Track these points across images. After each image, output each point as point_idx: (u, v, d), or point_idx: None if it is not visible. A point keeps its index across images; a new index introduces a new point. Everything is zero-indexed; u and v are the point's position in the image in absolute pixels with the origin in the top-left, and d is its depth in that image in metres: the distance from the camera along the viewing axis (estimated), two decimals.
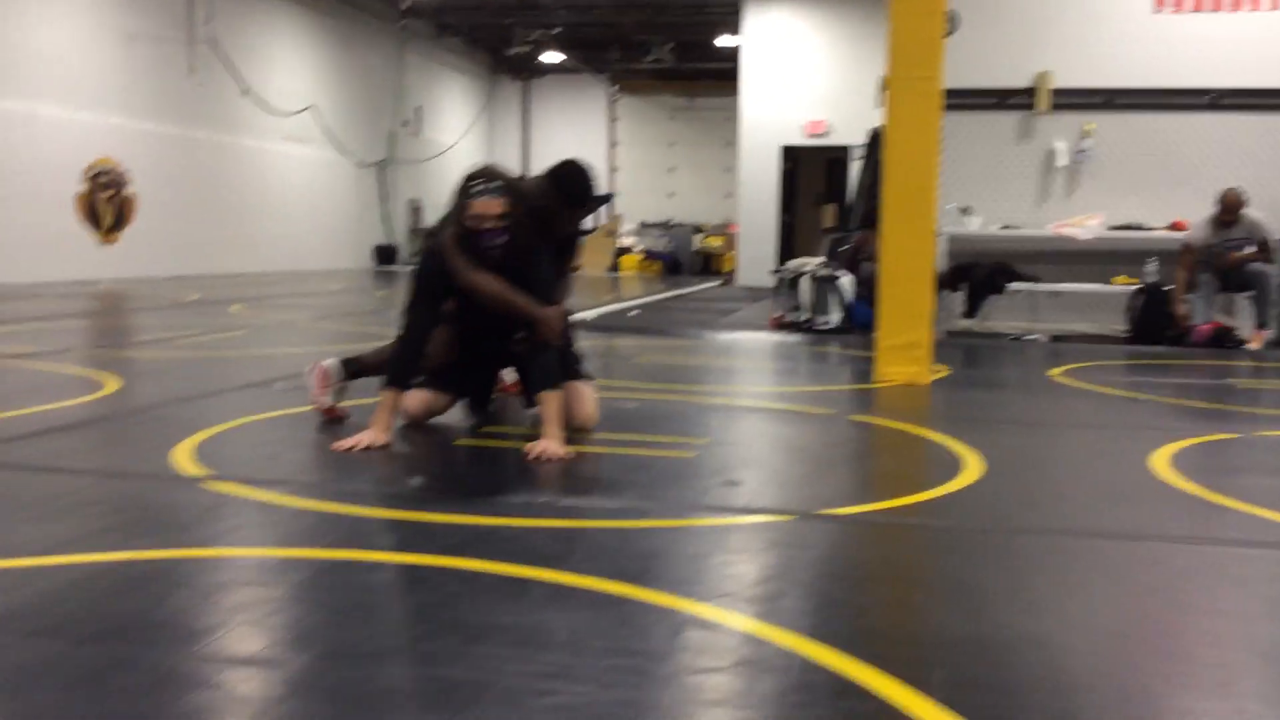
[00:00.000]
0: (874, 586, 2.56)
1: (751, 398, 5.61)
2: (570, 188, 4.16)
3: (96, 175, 14.99)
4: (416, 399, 4.29)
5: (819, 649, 2.08)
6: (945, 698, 1.87)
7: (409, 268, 22.00)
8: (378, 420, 3.91)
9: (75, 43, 14.53)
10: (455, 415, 4.55)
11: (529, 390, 4.35)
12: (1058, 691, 1.92)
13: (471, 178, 3.94)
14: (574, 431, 4.14)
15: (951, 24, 10.62)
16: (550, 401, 3.91)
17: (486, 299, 4.01)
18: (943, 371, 6.65)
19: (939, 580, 2.59)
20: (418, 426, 4.30)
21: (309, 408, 4.45)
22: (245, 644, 2.06)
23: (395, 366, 4.03)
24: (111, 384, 5.33)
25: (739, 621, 2.23)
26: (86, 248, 14.89)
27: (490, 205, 3.87)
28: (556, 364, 4.02)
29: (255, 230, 18.66)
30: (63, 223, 14.42)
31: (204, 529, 2.86)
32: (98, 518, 2.93)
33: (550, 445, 3.79)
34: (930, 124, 6.17)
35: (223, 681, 1.89)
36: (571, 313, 4.55)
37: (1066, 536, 2.97)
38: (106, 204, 15.22)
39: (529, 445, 3.83)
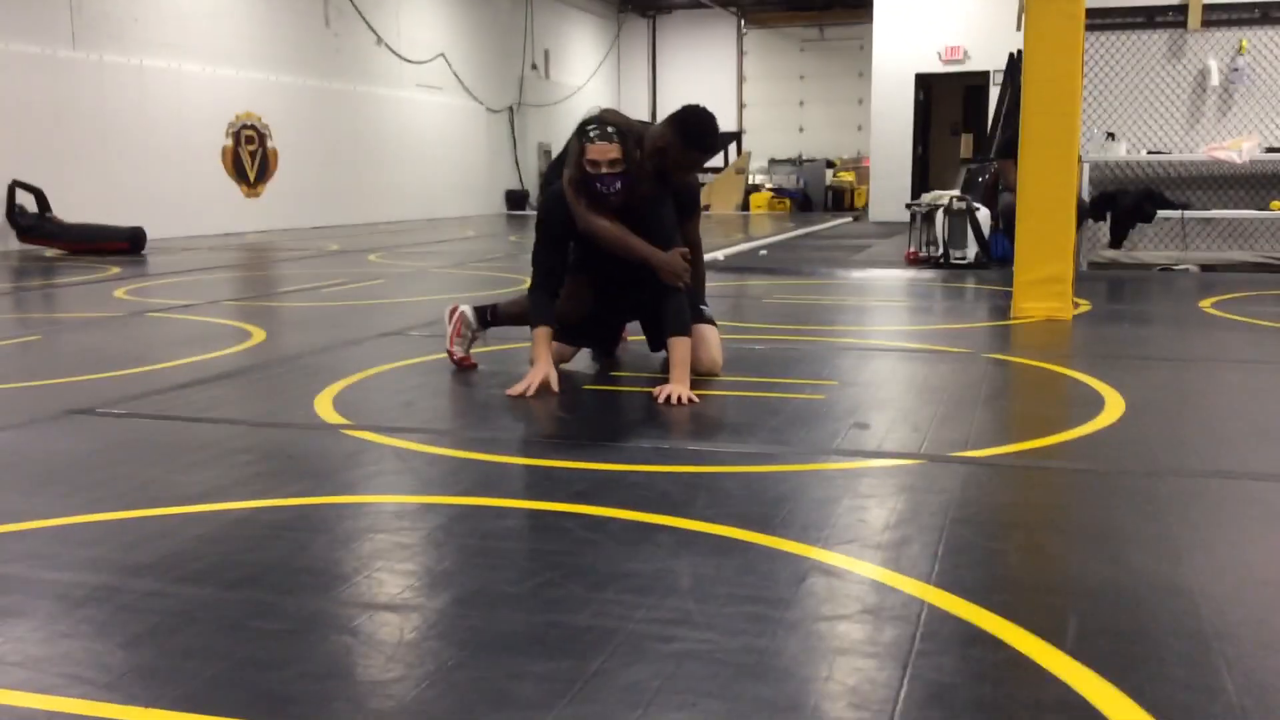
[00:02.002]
0: (1006, 532, 2.50)
1: (883, 337, 5.52)
2: (692, 131, 4.09)
3: (240, 129, 15.48)
4: None
5: (947, 597, 2.05)
6: (1076, 647, 1.83)
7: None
8: (538, 356, 3.98)
9: (216, 0, 14.95)
10: (582, 361, 4.60)
11: (656, 335, 4.36)
12: (1195, 639, 1.86)
13: (588, 122, 3.94)
14: (700, 375, 4.14)
15: None
16: (678, 346, 3.91)
17: (604, 243, 4.03)
18: (1085, 306, 6.43)
19: (1074, 525, 2.52)
20: None
21: (443, 355, 4.55)
22: (379, 590, 2.13)
23: (536, 311, 4.09)
24: (259, 334, 5.54)
25: (865, 568, 2.21)
26: (233, 200, 15.42)
27: (606, 150, 3.87)
28: (685, 308, 4.02)
29: (391, 179, 19.04)
30: (210, 177, 14.95)
31: (343, 476, 2.97)
32: (246, 465, 3.06)
33: (678, 388, 3.80)
34: (1073, 47, 5.91)
35: (357, 627, 1.96)
36: (697, 256, 4.53)
37: (1214, 478, 2.86)
38: (250, 157, 15.72)
39: (657, 389, 3.85)
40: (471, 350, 4.49)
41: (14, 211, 11.39)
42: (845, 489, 2.79)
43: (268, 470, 3.02)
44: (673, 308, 3.98)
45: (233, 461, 3.11)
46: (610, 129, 3.89)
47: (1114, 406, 3.69)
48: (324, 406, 3.78)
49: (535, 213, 4.29)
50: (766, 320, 6.04)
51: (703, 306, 4.39)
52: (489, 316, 4.45)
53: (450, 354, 4.46)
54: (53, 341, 5.63)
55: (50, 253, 11.28)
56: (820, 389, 4.03)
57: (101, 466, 3.07)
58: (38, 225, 11.40)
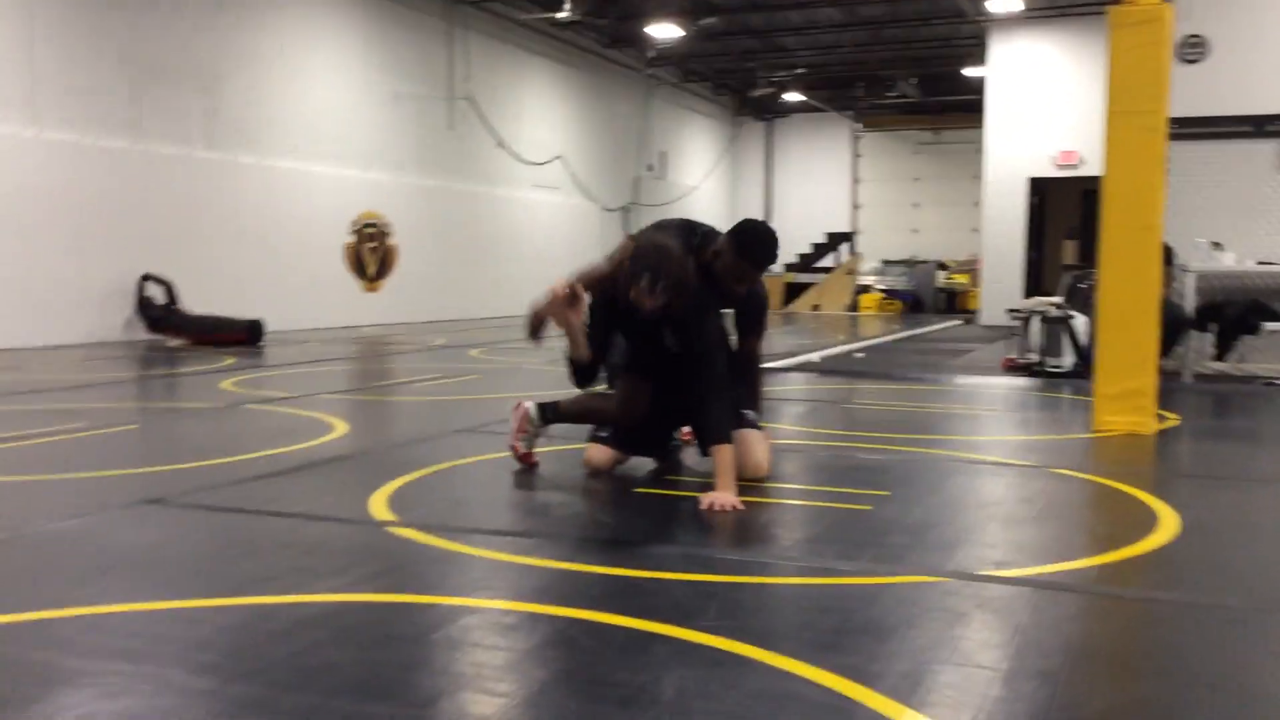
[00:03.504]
0: (1006, 656, 2.46)
1: (954, 447, 5.45)
2: (747, 244, 4.25)
3: (363, 227, 16.16)
4: (601, 453, 4.45)
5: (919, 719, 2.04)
6: None
7: None
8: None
9: (345, 104, 15.75)
10: (641, 461, 4.66)
11: (700, 442, 4.40)
12: None
13: (643, 264, 4.01)
14: (747, 481, 4.17)
15: (1201, 51, 10.06)
16: (721, 453, 3.96)
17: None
18: (1172, 420, 6.26)
19: (1079, 652, 2.47)
20: (603, 475, 4.44)
21: (507, 453, 4.66)
22: (369, 692, 2.21)
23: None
24: (341, 428, 5.75)
25: (850, 688, 2.21)
26: (353, 295, 16.04)
27: (651, 300, 4.02)
28: (726, 416, 4.07)
29: (506, 275, 19.56)
30: (332, 272, 15.61)
31: (373, 575, 3.07)
32: (286, 560, 3.19)
33: (722, 496, 3.84)
34: (1153, 160, 5.86)
35: None
36: (754, 368, 4.61)
37: (1248, 611, 2.77)
38: (371, 254, 16.37)
39: (703, 496, 3.90)
40: (535, 448, 4.60)
41: (144, 303, 12.04)
42: (859, 605, 2.78)
43: (305, 566, 3.14)
44: (712, 417, 4.04)
45: (277, 556, 3.24)
46: (660, 285, 3.98)
47: (1167, 528, 3.60)
48: (378, 503, 3.92)
49: None
50: (844, 426, 6.03)
51: (746, 411, 4.42)
52: (551, 414, 4.56)
53: (514, 450, 4.57)
54: (149, 431, 5.93)
55: (173, 343, 11.86)
56: (870, 499, 4.02)
57: (155, 558, 3.23)
58: (164, 316, 12.03)
